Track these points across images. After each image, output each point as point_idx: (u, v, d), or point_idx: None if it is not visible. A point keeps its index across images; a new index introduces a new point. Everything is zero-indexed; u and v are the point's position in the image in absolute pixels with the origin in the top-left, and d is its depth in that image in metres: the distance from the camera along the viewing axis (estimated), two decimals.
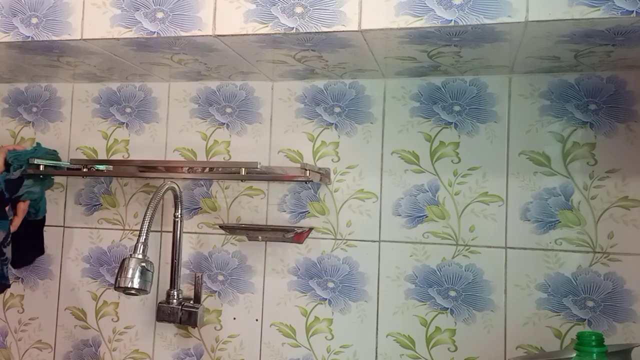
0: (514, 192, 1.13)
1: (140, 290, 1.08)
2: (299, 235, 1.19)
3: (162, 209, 1.30)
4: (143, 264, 1.07)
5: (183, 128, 1.30)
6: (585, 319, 1.09)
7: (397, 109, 1.20)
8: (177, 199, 1.22)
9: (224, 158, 1.28)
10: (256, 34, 0.96)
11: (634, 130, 1.09)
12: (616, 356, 0.87)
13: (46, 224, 1.33)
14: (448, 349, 1.14)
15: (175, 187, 1.19)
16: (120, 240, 1.32)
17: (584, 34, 0.90)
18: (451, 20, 0.88)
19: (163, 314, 1.24)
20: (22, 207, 1.22)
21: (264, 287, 1.24)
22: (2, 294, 1.37)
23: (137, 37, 1.01)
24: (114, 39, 1.02)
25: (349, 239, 1.20)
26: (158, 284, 1.29)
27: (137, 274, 1.07)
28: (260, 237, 1.23)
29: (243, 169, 1.13)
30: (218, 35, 0.98)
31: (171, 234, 1.26)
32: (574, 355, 0.82)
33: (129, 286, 1.06)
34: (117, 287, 1.07)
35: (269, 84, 1.27)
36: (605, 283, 1.08)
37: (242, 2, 0.96)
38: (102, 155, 1.34)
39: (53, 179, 1.32)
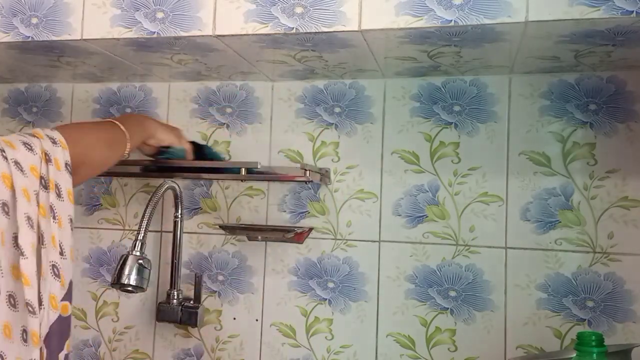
0: (514, 192, 1.13)
1: (137, 288, 1.08)
2: (299, 235, 1.19)
3: (162, 209, 1.30)
4: (140, 261, 1.07)
5: (183, 128, 1.30)
6: (585, 319, 1.09)
7: (397, 109, 1.20)
8: (177, 199, 1.22)
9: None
10: (256, 34, 0.96)
11: (634, 130, 1.09)
12: (616, 356, 0.87)
13: None
14: (448, 349, 1.14)
15: (176, 186, 1.19)
16: (120, 241, 1.32)
17: (584, 34, 0.90)
18: (451, 20, 0.88)
19: (163, 314, 1.24)
20: None
21: (264, 287, 1.24)
22: None
23: (137, 37, 1.01)
24: (114, 39, 1.02)
25: (349, 239, 1.20)
26: (158, 284, 1.29)
27: (134, 271, 1.07)
28: (260, 237, 1.23)
29: (243, 169, 1.13)
30: (218, 35, 0.98)
31: (171, 234, 1.26)
32: (574, 355, 0.82)
33: (125, 283, 1.06)
34: (113, 284, 1.08)
35: (269, 84, 1.27)
36: (605, 283, 1.08)
37: (242, 2, 0.96)
38: None
39: None
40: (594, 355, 0.80)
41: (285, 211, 1.24)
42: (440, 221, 1.16)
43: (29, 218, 0.76)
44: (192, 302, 1.25)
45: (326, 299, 1.21)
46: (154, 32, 1.00)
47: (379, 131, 1.20)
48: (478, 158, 1.15)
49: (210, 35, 0.98)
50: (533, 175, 1.12)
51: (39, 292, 0.76)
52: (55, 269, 0.79)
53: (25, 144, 0.80)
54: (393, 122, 1.20)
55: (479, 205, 1.14)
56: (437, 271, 1.16)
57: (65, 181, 0.83)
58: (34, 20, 1.05)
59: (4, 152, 0.76)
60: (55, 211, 0.80)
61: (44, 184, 0.80)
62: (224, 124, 1.28)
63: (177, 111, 1.31)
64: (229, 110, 1.28)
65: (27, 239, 0.75)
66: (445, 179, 1.16)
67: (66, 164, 0.84)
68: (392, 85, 1.20)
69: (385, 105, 1.20)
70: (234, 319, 1.25)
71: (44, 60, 1.18)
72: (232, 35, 0.97)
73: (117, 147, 1.01)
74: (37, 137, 0.83)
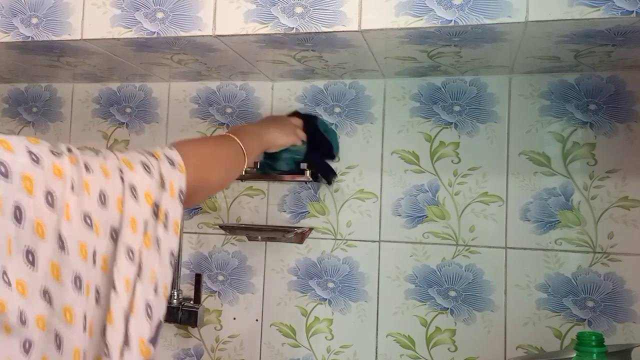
0: (514, 192, 1.13)
1: None
2: (299, 235, 1.19)
3: None
4: None
5: (183, 128, 1.30)
6: (585, 319, 1.09)
7: (397, 109, 1.20)
8: None
9: None
10: (256, 34, 0.96)
11: (634, 130, 1.09)
12: (616, 356, 0.87)
13: None
14: (448, 349, 1.14)
15: None
16: None
17: (584, 34, 0.90)
18: (451, 20, 0.88)
19: None
20: None
21: (264, 287, 1.24)
22: None
23: (137, 37, 1.01)
24: (114, 39, 1.02)
25: (349, 239, 1.20)
26: None
27: None
28: (260, 237, 1.23)
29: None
30: (218, 36, 0.98)
31: None
32: (574, 355, 0.82)
33: None
34: None
35: (269, 84, 1.27)
36: (605, 283, 1.08)
37: (242, 2, 0.96)
38: None
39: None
40: (594, 355, 0.80)
41: (285, 211, 1.24)
42: (440, 221, 1.16)
43: (129, 250, 0.68)
44: (192, 302, 1.25)
45: (326, 299, 1.21)
46: (154, 32, 1.00)
47: (379, 131, 1.20)
48: (478, 158, 1.15)
49: (210, 35, 0.98)
50: (533, 175, 1.12)
51: (126, 333, 0.66)
52: (149, 309, 0.69)
53: (144, 165, 0.73)
54: (393, 122, 1.20)
55: (479, 205, 1.14)
56: (437, 271, 1.16)
57: (174, 211, 0.75)
58: (34, 20, 1.05)
59: (122, 172, 0.70)
60: (160, 244, 0.72)
61: (155, 212, 0.72)
62: (224, 124, 1.28)
63: (177, 111, 1.31)
64: (229, 110, 1.28)
65: (121, 272, 0.67)
66: (445, 179, 1.16)
67: (180, 191, 0.76)
68: (392, 85, 1.20)
69: (385, 105, 1.20)
70: (234, 319, 1.25)
71: (44, 60, 1.18)
72: (232, 35, 0.97)
73: (236, 168, 0.94)
74: (156, 158, 0.76)
